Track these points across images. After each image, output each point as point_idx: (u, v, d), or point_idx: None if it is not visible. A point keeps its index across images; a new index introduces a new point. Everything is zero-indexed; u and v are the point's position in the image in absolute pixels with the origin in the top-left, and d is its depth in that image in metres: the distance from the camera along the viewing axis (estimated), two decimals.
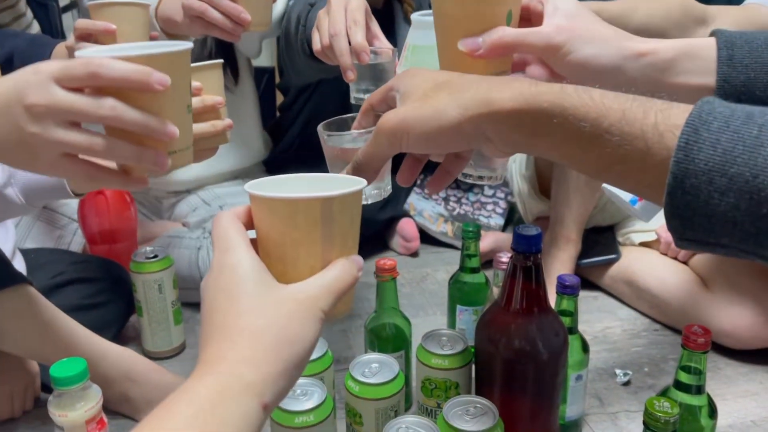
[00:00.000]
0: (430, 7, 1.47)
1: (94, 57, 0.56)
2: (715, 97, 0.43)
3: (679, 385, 0.76)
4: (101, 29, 0.94)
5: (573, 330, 0.86)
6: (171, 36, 1.08)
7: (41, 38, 1.12)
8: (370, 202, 0.66)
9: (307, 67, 1.18)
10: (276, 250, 0.46)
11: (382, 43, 0.88)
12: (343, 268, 0.47)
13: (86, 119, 0.57)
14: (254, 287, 0.44)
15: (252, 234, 0.48)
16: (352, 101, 0.89)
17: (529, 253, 0.75)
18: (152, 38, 1.01)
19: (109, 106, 0.56)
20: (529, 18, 0.65)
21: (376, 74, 0.87)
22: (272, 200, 0.45)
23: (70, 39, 0.98)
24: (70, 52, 0.98)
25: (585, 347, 0.89)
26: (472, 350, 0.84)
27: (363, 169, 0.53)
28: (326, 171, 1.48)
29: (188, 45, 0.61)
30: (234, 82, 1.40)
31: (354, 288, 0.48)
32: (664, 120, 0.42)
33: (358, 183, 0.48)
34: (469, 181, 0.74)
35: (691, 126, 0.40)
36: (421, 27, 0.70)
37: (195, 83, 0.79)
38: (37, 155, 0.58)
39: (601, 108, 0.44)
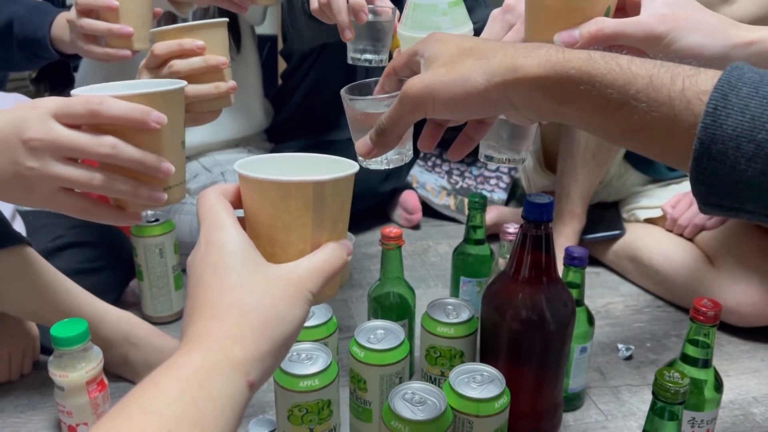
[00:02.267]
0: None
1: (93, 96, 0.57)
2: (745, 63, 0.42)
3: (685, 358, 0.75)
4: (103, 5, 0.92)
5: (579, 302, 0.86)
6: (177, 5, 1.05)
7: (42, 6, 1.09)
8: (392, 166, 0.65)
9: (308, 30, 1.16)
10: (265, 232, 0.46)
11: (382, 1, 0.86)
12: (333, 252, 0.47)
13: (86, 156, 0.58)
14: (243, 265, 0.43)
15: (239, 213, 0.47)
16: (349, 61, 0.88)
17: (540, 221, 0.74)
18: (156, 15, 0.99)
19: (109, 144, 0.57)
20: (623, 7, 0.64)
21: (375, 34, 0.85)
22: (263, 182, 0.45)
23: (72, 12, 0.95)
24: (71, 26, 0.96)
25: (591, 320, 0.88)
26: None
27: (386, 134, 0.53)
28: (328, 141, 1.49)
29: (182, 83, 0.63)
30: (237, 50, 1.37)
31: (341, 272, 0.48)
32: (692, 86, 0.42)
33: (350, 167, 0.47)
34: (493, 163, 0.72)
35: (719, 91, 0.40)
36: None
37: (198, 42, 0.78)
38: (33, 189, 0.59)
39: (629, 75, 0.44)
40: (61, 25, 1.02)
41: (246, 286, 0.42)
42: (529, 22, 0.66)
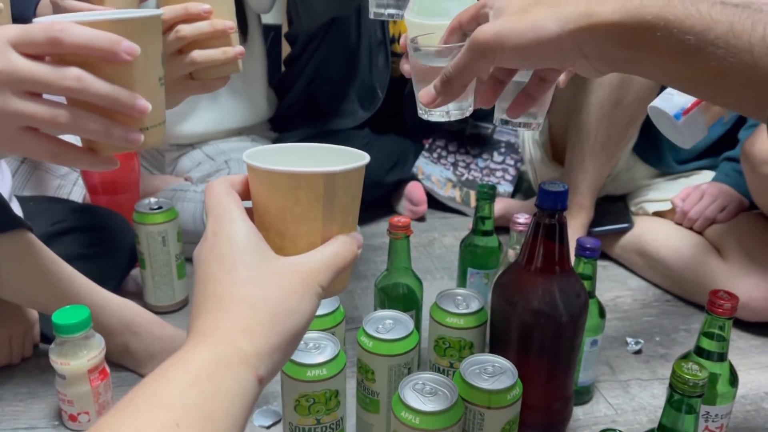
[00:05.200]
0: None
1: (55, 21, 0.51)
2: None
3: (700, 351, 0.74)
4: None
5: (591, 294, 0.84)
6: None
7: None
8: (452, 119, 0.63)
9: (320, 2, 1.13)
10: (274, 224, 0.45)
11: None
12: (344, 245, 0.45)
13: (48, 90, 0.52)
14: (251, 257, 0.42)
15: (247, 204, 0.46)
16: (371, 16, 0.85)
17: (554, 210, 0.72)
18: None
19: (74, 76, 0.51)
20: None
21: None
22: (273, 173, 0.43)
23: None
24: (55, 8, 0.94)
25: (602, 312, 0.86)
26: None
27: (452, 82, 0.52)
28: (332, 130, 1.47)
29: (161, 11, 0.57)
30: (243, 39, 1.35)
31: (351, 266, 0.47)
32: None
33: (361, 157, 0.46)
34: (509, 127, 0.71)
35: None
36: None
37: (204, 6, 0.75)
38: None
39: (708, 20, 0.42)
40: (45, 6, 1.00)
41: (255, 279, 0.41)
42: None
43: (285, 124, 1.54)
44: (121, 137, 0.54)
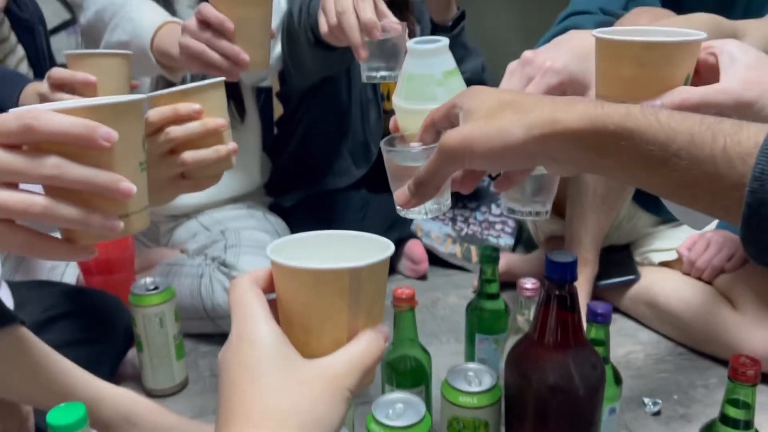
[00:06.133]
0: (432, 26, 1.43)
1: (29, 110, 0.49)
2: None
3: (725, 419, 0.71)
4: (80, 80, 0.90)
5: (605, 360, 0.81)
6: (167, 68, 1.03)
7: (11, 76, 1.06)
8: (429, 216, 0.65)
9: (312, 59, 1.14)
10: (299, 321, 0.44)
11: (390, 19, 0.84)
12: (370, 341, 0.44)
13: (24, 179, 0.50)
14: (277, 364, 0.41)
15: (272, 296, 0.46)
16: (364, 80, 0.87)
17: (564, 281, 0.70)
18: (133, 87, 0.98)
19: (51, 163, 0.49)
20: (698, 70, 0.63)
21: (387, 51, 0.84)
22: (298, 271, 0.43)
23: (44, 85, 0.93)
24: (42, 99, 0.93)
25: (618, 379, 0.84)
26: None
27: (424, 185, 0.53)
28: (327, 191, 1.45)
29: (140, 96, 0.55)
30: (240, 119, 1.35)
31: (379, 362, 0.45)
32: (734, 145, 0.41)
33: (386, 248, 0.45)
34: (517, 217, 0.70)
35: (765, 155, 0.39)
36: (416, 55, 0.68)
37: (194, 105, 0.74)
38: None
39: (669, 131, 0.43)
40: (29, 95, 0.99)
41: (282, 388, 0.40)
42: (602, 93, 0.64)
43: (280, 187, 1.53)
44: (100, 225, 0.52)
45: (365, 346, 0.44)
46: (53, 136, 0.48)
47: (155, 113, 0.72)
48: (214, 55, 0.87)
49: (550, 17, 1.15)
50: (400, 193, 0.56)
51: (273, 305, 0.45)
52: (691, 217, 0.92)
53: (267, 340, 0.42)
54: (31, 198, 0.50)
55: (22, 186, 0.51)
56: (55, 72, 0.91)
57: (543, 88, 0.67)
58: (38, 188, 0.52)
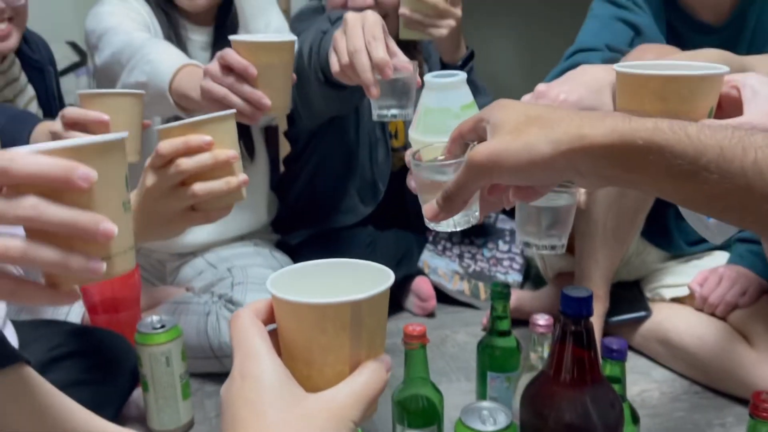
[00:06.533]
0: (441, 65, 1.44)
1: (5, 151, 0.48)
2: None
3: None
4: (93, 119, 0.91)
5: (622, 398, 0.79)
6: (185, 110, 1.04)
7: (22, 115, 1.08)
8: (458, 229, 0.64)
9: (321, 99, 1.14)
10: (301, 354, 0.44)
11: (401, 58, 0.85)
12: (372, 373, 0.44)
13: (2, 221, 0.48)
14: (280, 399, 0.41)
15: (272, 325, 0.46)
16: (375, 118, 0.87)
17: (579, 317, 0.69)
18: (145, 126, 0.98)
19: (29, 204, 0.47)
20: (721, 104, 0.64)
21: (399, 90, 0.85)
22: (298, 305, 0.43)
23: (57, 124, 0.94)
24: (55, 138, 0.94)
25: (635, 418, 0.82)
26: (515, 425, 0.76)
27: (452, 198, 0.54)
28: (334, 229, 1.45)
29: (122, 135, 0.54)
30: (250, 159, 1.36)
31: (382, 392, 0.45)
32: (765, 158, 0.41)
33: (386, 277, 0.45)
34: (533, 251, 0.69)
35: None
36: (434, 89, 0.69)
37: (205, 137, 0.74)
38: None
39: (698, 145, 0.43)
40: (40, 134, 1.00)
41: (286, 423, 0.40)
42: None
43: (286, 225, 1.52)
44: (81, 267, 0.49)
45: (368, 377, 0.44)
46: (29, 178, 0.47)
47: (166, 145, 0.72)
48: (237, 100, 0.88)
49: (554, 55, 1.16)
50: (428, 207, 0.57)
51: (274, 336, 0.45)
52: (707, 230, 0.91)
53: (270, 376, 0.42)
54: (8, 242, 0.48)
55: (2, 229, 0.49)
56: (69, 111, 0.92)
57: None
58: (21, 231, 0.50)
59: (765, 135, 0.42)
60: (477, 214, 0.65)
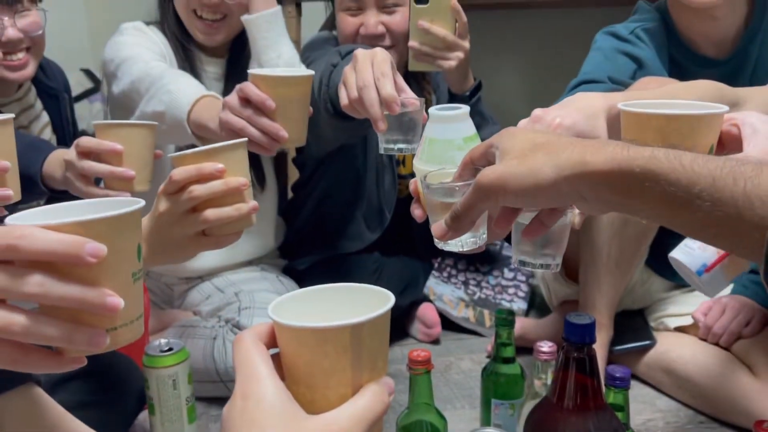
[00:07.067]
0: (450, 96, 1.47)
1: (15, 226, 0.49)
2: None
3: None
4: (108, 149, 0.93)
5: (626, 426, 0.80)
6: (201, 139, 1.06)
7: (37, 142, 1.10)
8: (466, 249, 0.66)
9: (329, 129, 1.17)
10: (303, 378, 0.45)
11: (408, 94, 0.87)
12: (374, 396, 0.44)
13: (8, 296, 0.49)
14: (283, 421, 0.41)
15: (275, 350, 0.46)
16: (381, 152, 0.89)
17: (582, 344, 0.70)
18: (157, 156, 1.01)
19: (36, 281, 0.48)
20: (721, 140, 0.66)
21: (405, 125, 0.87)
22: (299, 330, 0.43)
23: (71, 152, 0.96)
24: (69, 166, 0.97)
25: None
26: None
27: (460, 219, 0.56)
28: (341, 255, 1.46)
29: (136, 206, 0.53)
30: (260, 189, 1.38)
31: (384, 415, 0.45)
32: (754, 188, 0.43)
33: (386, 300, 0.46)
34: (528, 269, 0.71)
35: None
36: (438, 121, 0.71)
37: (218, 165, 0.76)
38: None
39: (691, 174, 0.45)
40: (53, 162, 1.02)
41: None
42: None
43: (293, 250, 1.54)
44: (84, 342, 0.50)
45: (369, 399, 0.44)
46: (38, 255, 0.47)
47: (180, 172, 0.74)
48: (255, 132, 0.91)
49: (559, 86, 1.19)
50: (437, 226, 0.59)
51: (276, 359, 0.46)
52: (699, 284, 0.93)
53: (272, 398, 0.42)
54: (11, 317, 0.49)
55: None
56: (83, 141, 0.94)
57: None
58: None
59: (754, 165, 0.44)
60: (485, 236, 0.66)
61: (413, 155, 1.54)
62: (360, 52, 0.88)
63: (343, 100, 0.90)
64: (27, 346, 0.52)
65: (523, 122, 0.74)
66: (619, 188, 0.48)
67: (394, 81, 0.85)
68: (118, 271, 0.51)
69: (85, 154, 0.94)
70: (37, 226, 0.48)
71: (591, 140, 0.52)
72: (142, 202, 0.55)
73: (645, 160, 0.46)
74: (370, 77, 0.84)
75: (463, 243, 0.66)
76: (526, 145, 0.52)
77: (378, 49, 0.89)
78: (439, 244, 0.64)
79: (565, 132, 0.71)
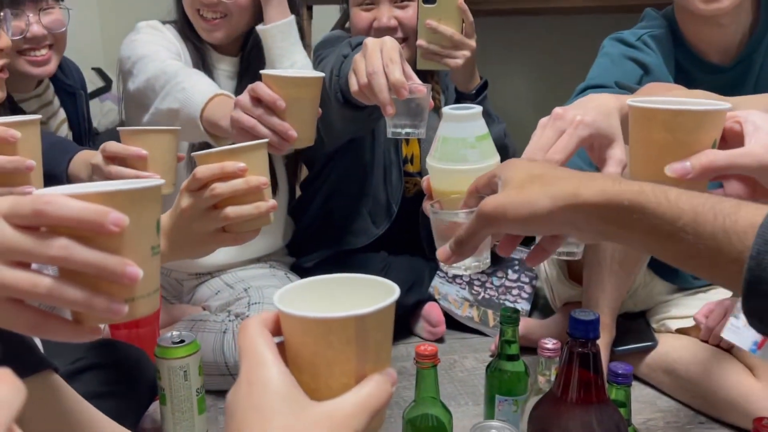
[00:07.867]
0: (456, 95, 1.49)
1: (43, 195, 0.51)
2: None
3: None
4: (133, 154, 0.96)
5: (627, 422, 0.81)
6: (214, 137, 1.09)
7: (62, 143, 1.12)
8: (469, 272, 0.71)
9: (340, 119, 1.19)
10: (307, 367, 0.45)
11: (416, 81, 0.91)
12: (378, 385, 0.45)
13: (33, 259, 0.51)
14: (287, 406, 0.42)
15: (280, 338, 0.47)
16: (389, 135, 0.93)
17: (586, 339, 0.72)
18: (179, 159, 1.03)
19: (60, 245, 0.50)
20: (724, 137, 0.69)
21: (413, 110, 0.90)
22: (304, 320, 0.44)
23: (97, 157, 0.99)
24: (95, 169, 0.99)
25: None
26: None
27: (464, 244, 0.60)
28: (348, 251, 1.48)
29: (157, 182, 0.56)
30: (273, 193, 1.40)
31: (387, 405, 0.46)
32: (732, 224, 0.47)
33: (391, 292, 0.46)
34: (553, 257, 0.74)
35: (762, 237, 0.44)
36: (451, 120, 0.74)
37: (240, 164, 0.79)
38: None
39: (675, 209, 0.49)
40: (79, 163, 1.05)
41: (291, 429, 0.41)
42: (635, 157, 0.71)
43: (301, 247, 1.56)
44: (103, 308, 0.52)
45: (372, 388, 0.44)
46: (64, 221, 0.50)
47: (204, 170, 0.77)
48: (265, 131, 0.93)
49: (565, 91, 1.21)
50: (442, 251, 0.63)
51: (281, 347, 0.46)
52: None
53: (277, 383, 0.43)
54: (37, 278, 0.51)
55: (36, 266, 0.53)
56: (110, 146, 0.97)
57: (576, 139, 0.73)
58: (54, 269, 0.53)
59: (733, 203, 0.47)
60: (488, 261, 0.71)
61: (420, 155, 1.57)
62: (370, 41, 0.92)
63: (353, 86, 0.93)
64: (47, 312, 0.55)
65: (543, 120, 0.78)
66: (609, 219, 0.51)
67: (402, 68, 0.88)
68: (139, 243, 0.53)
69: (111, 158, 0.97)
70: (63, 195, 0.50)
71: (584, 173, 0.56)
72: (162, 180, 0.58)
73: (633, 194, 0.50)
74: (380, 63, 0.88)
75: (466, 266, 0.70)
76: (524, 176, 0.56)
77: (387, 38, 0.92)
78: (444, 267, 0.69)
79: (587, 128, 0.74)
